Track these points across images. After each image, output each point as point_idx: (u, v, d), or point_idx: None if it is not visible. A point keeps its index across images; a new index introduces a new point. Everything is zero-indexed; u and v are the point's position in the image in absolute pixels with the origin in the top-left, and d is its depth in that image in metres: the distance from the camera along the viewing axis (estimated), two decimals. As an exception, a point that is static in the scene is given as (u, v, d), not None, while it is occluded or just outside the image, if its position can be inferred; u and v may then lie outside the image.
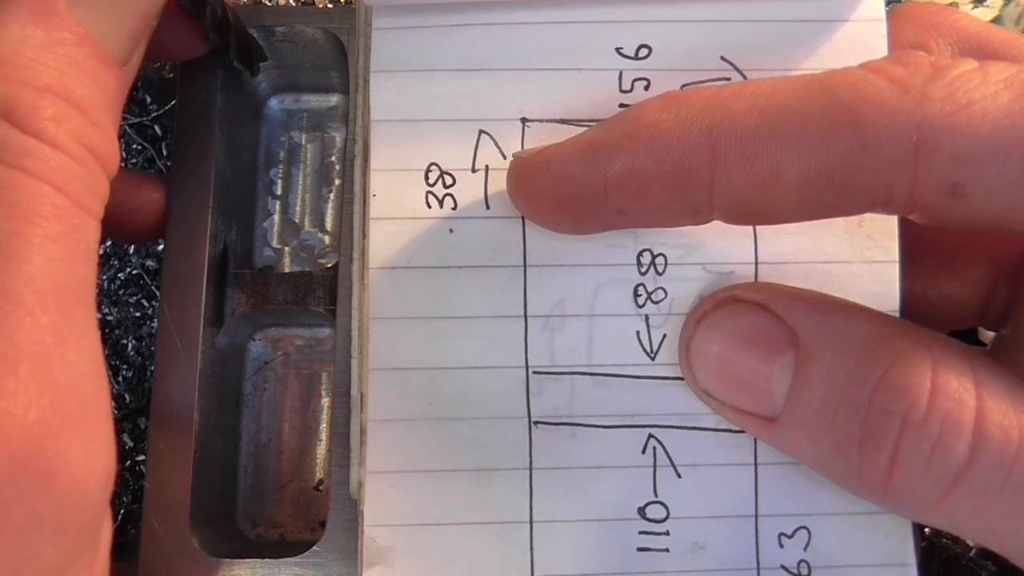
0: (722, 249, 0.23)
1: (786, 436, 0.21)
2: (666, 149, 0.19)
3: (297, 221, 0.32)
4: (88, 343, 0.20)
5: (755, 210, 0.20)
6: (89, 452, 0.19)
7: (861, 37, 0.23)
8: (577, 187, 0.20)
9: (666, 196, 0.20)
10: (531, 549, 0.23)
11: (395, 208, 0.23)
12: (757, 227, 0.23)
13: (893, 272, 0.23)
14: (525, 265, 0.23)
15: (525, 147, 0.23)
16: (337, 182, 0.32)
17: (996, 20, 0.33)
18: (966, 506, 0.18)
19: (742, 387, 0.21)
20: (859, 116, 0.18)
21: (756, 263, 0.23)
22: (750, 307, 0.21)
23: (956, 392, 0.18)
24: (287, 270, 0.31)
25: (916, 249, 0.23)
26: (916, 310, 0.23)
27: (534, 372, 0.23)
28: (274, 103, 0.32)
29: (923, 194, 0.18)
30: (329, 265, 0.31)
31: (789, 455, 0.22)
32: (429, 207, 0.23)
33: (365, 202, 0.23)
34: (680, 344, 0.23)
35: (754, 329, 0.21)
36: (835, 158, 0.18)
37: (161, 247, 0.33)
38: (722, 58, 0.23)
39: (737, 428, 0.23)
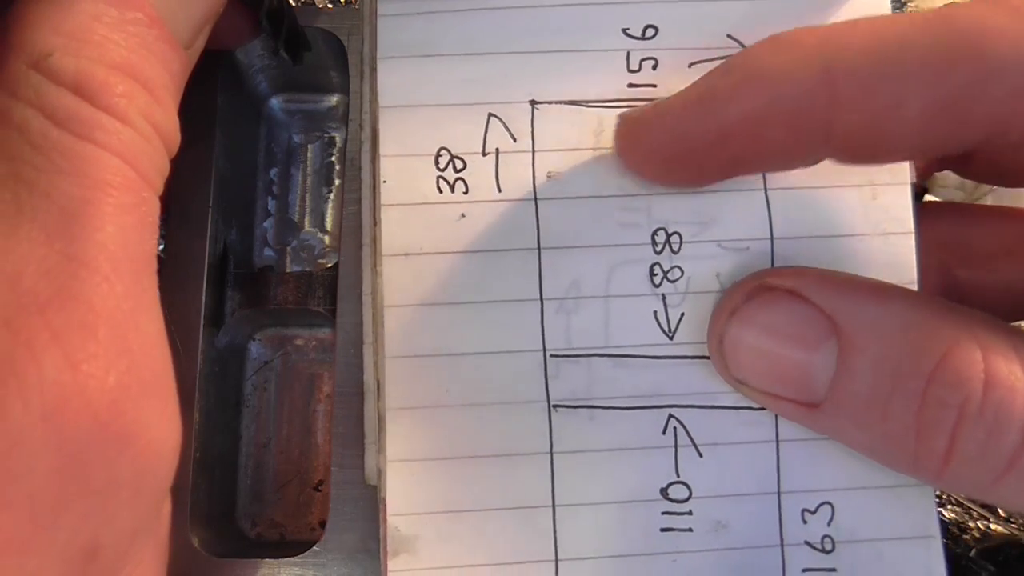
0: (737, 225, 0.23)
1: (830, 423, 0.21)
2: (783, 91, 0.19)
3: (297, 221, 0.31)
4: (156, 313, 0.20)
5: (871, 147, 0.19)
6: (162, 418, 0.19)
7: (865, 13, 0.23)
8: (693, 139, 0.20)
9: (784, 139, 0.20)
10: (555, 533, 0.22)
11: (406, 194, 0.23)
12: (770, 203, 0.23)
13: (909, 243, 0.23)
14: (539, 247, 0.23)
15: (535, 130, 0.23)
16: (337, 182, 0.32)
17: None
18: (1019, 487, 0.19)
19: (781, 377, 0.21)
20: (981, 47, 0.18)
21: (772, 239, 0.23)
22: (783, 296, 0.21)
23: (1007, 379, 0.18)
24: (287, 270, 0.31)
25: (970, 233, 0.23)
26: (971, 297, 0.23)
27: (551, 355, 0.23)
28: (274, 103, 0.32)
29: None
30: (329, 265, 0.31)
31: (833, 438, 0.22)
32: (440, 192, 0.23)
33: (375, 189, 0.23)
34: (710, 336, 0.22)
35: (791, 321, 0.21)
36: (957, 90, 0.18)
37: (161, 247, 0.32)
38: (728, 36, 0.23)
39: (758, 406, 0.23)
